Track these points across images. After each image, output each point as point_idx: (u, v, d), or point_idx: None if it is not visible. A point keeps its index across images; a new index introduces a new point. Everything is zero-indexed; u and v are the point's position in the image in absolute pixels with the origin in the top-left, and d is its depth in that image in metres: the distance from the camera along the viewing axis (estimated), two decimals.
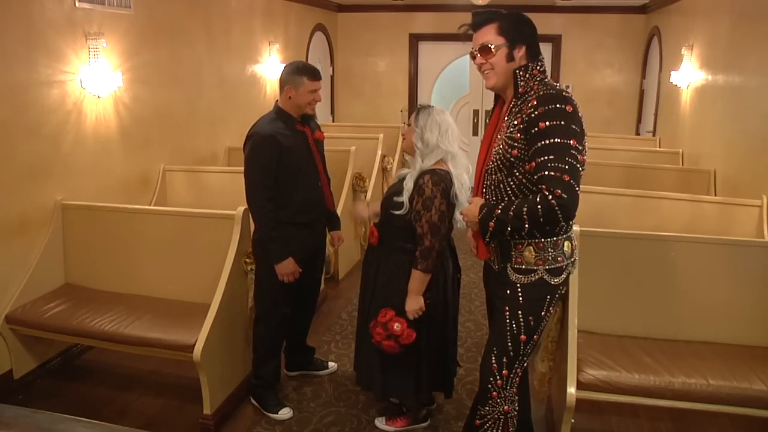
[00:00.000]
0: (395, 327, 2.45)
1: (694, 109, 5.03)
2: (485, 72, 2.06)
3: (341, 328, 3.88)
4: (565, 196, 1.80)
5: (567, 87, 7.49)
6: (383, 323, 2.47)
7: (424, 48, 7.91)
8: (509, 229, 1.92)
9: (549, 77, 2.04)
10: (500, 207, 1.94)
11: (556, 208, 1.81)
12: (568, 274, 2.09)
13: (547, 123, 1.86)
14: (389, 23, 7.80)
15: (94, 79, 3.44)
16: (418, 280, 2.46)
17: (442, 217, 2.39)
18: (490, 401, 2.14)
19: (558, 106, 1.88)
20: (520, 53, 2.00)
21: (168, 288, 3.18)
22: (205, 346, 2.67)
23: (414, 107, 6.59)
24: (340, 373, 3.30)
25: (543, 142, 1.86)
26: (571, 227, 2.09)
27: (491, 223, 1.95)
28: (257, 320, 2.96)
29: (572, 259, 2.09)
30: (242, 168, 2.78)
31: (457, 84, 7.94)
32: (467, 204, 2.19)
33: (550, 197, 1.81)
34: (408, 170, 2.53)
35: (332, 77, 7.88)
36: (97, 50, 3.44)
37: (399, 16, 7.74)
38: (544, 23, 7.43)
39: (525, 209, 1.86)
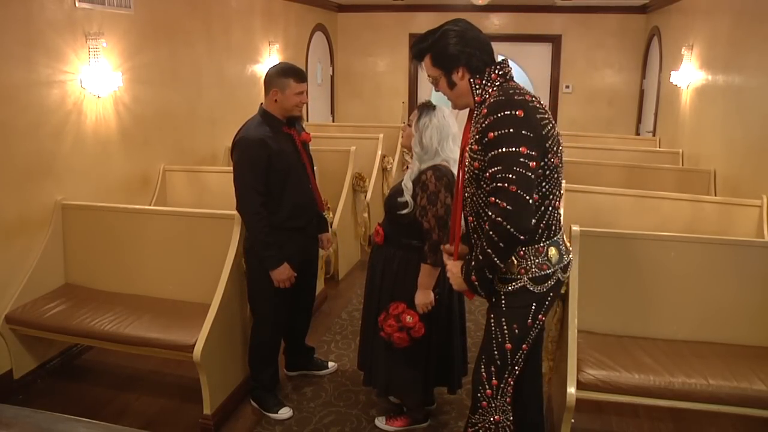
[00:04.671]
0: (407, 319, 2.46)
1: (694, 109, 5.03)
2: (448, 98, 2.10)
3: (341, 328, 3.88)
4: (510, 208, 1.74)
5: (567, 87, 7.52)
6: (395, 315, 2.47)
7: None
8: (487, 270, 1.90)
9: (511, 79, 1.97)
10: (471, 257, 1.93)
11: (502, 222, 1.75)
12: (557, 281, 2.02)
13: (496, 133, 1.81)
14: (389, 23, 7.80)
15: (94, 79, 3.44)
16: (427, 275, 2.47)
17: (448, 210, 2.39)
18: (480, 410, 2.10)
19: (507, 113, 1.82)
20: (459, 75, 1.99)
21: (168, 288, 3.18)
22: (205, 346, 2.67)
23: (414, 106, 6.57)
24: (340, 373, 3.30)
25: (493, 153, 1.82)
26: (557, 232, 2.01)
27: (473, 278, 1.94)
28: (254, 327, 2.95)
29: (561, 265, 2.02)
30: None
31: None
32: None
33: (494, 215, 1.77)
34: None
35: (332, 77, 7.87)
36: (97, 50, 3.43)
37: (399, 16, 7.74)
38: (544, 23, 7.46)
39: (485, 244, 1.83)
